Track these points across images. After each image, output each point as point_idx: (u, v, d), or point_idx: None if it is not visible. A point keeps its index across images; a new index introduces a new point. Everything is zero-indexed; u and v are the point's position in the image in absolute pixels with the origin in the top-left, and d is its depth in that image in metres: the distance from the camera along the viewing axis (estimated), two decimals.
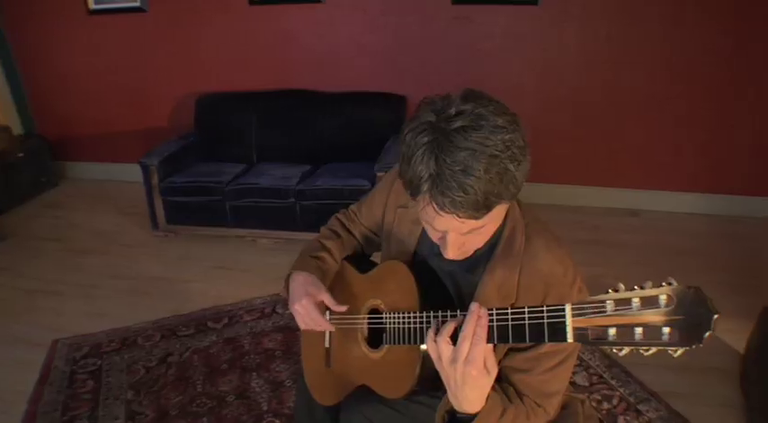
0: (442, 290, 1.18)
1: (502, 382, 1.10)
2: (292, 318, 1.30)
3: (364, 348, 1.28)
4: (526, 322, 0.87)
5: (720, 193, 3.85)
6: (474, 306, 0.92)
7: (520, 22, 3.66)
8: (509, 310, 0.90)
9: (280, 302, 2.90)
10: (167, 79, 4.23)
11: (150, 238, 3.65)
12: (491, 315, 0.92)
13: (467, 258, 1.07)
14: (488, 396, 0.98)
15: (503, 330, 0.90)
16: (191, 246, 3.55)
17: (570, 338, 0.80)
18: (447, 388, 0.97)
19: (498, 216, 0.98)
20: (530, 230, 1.09)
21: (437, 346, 0.94)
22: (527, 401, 1.09)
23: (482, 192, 0.85)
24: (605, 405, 2.22)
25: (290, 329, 2.69)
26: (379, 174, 3.17)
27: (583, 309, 0.78)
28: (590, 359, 2.46)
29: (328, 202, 3.30)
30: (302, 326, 1.30)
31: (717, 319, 0.67)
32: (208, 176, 3.51)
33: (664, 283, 0.72)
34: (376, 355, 1.24)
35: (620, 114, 3.75)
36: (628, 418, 2.17)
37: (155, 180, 3.47)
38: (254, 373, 2.40)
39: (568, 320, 0.80)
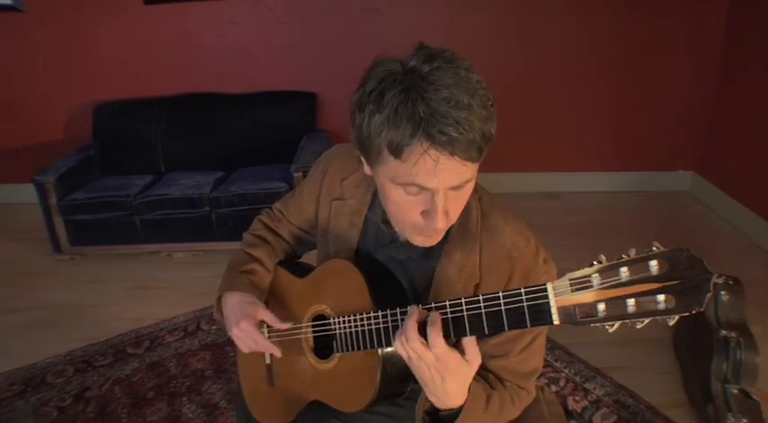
0: (396, 284, 1.08)
1: (480, 369, 1.00)
2: (220, 333, 1.14)
3: (312, 360, 1.15)
4: (502, 308, 0.79)
5: (635, 170, 4.01)
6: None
7: (428, 12, 3.63)
8: (480, 297, 0.81)
9: (204, 318, 2.69)
10: (57, 87, 3.85)
11: (53, 264, 3.33)
12: (459, 306, 0.84)
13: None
14: (470, 386, 0.91)
15: (476, 320, 0.82)
16: (100, 267, 3.27)
17: (556, 321, 0.73)
18: (424, 387, 0.90)
19: (475, 175, 0.89)
20: (484, 206, 1.03)
21: (409, 346, 0.85)
22: (509, 386, 1.04)
23: (479, 129, 0.80)
24: (553, 388, 2.21)
25: (219, 346, 2.51)
26: (296, 174, 3.07)
27: (566, 286, 0.71)
28: None
29: (245, 209, 3.15)
30: (245, 350, 1.17)
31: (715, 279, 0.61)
32: (113, 190, 3.25)
33: (654, 248, 0.66)
34: (326, 365, 1.12)
35: (533, 100, 3.82)
36: (577, 398, 2.17)
37: (52, 199, 3.17)
38: (185, 398, 2.21)
39: (552, 301, 0.73)
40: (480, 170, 0.89)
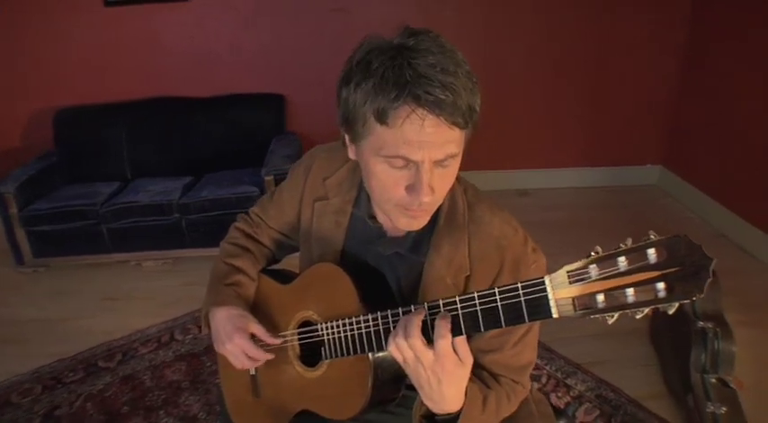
0: (384, 285, 1.06)
1: (473, 367, 0.98)
2: (195, 343, 1.10)
3: (299, 368, 1.12)
4: (499, 305, 0.77)
5: (604, 165, 4.08)
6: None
7: (398, 11, 3.63)
8: (475, 294, 0.80)
9: (178, 328, 2.63)
10: (14, 92, 3.70)
11: (16, 277, 3.21)
12: (454, 304, 0.82)
13: (407, 236, 1.01)
14: (466, 389, 0.89)
15: (471, 318, 0.81)
16: (66, 279, 3.16)
17: (555, 314, 0.72)
18: (420, 391, 0.88)
19: (461, 154, 0.90)
20: (470, 197, 1.03)
21: (409, 344, 0.83)
22: (504, 382, 1.02)
23: (466, 96, 0.81)
24: (536, 385, 2.19)
25: (195, 356, 2.45)
26: (267, 178, 3.03)
27: (564, 278, 0.70)
28: None
29: (216, 214, 3.10)
30: (240, 366, 1.14)
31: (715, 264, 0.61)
32: (78, 199, 3.15)
33: (651, 237, 0.66)
34: (314, 373, 1.09)
35: (502, 99, 3.83)
36: (559, 394, 2.18)
37: (13, 209, 3.06)
38: (162, 411, 2.15)
39: (550, 294, 0.72)
40: None
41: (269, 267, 1.32)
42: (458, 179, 1.02)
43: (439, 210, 0.99)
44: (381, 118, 0.82)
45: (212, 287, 1.20)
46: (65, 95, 3.64)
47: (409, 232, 1.01)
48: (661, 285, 0.63)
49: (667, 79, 3.82)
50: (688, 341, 2.06)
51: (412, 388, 0.94)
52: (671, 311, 0.63)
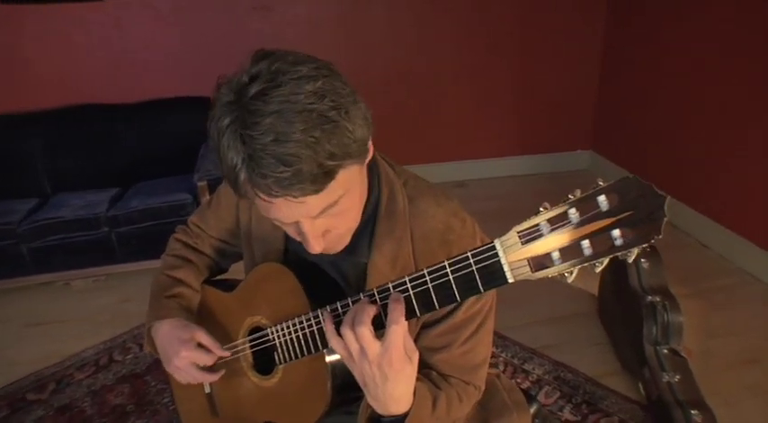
0: (331, 281, 1.02)
1: (422, 367, 0.95)
2: (137, 362, 1.00)
3: (254, 378, 1.07)
4: (450, 277, 0.73)
5: (537, 153, 4.20)
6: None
7: (322, 7, 3.60)
8: (425, 271, 0.76)
9: (116, 348, 2.47)
10: None
11: None
12: (404, 284, 0.77)
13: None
14: (415, 388, 0.84)
15: (424, 296, 0.76)
16: None
17: (510, 278, 0.68)
18: (365, 390, 0.82)
19: (356, 183, 0.82)
20: (410, 190, 0.96)
21: (343, 341, 0.79)
22: (454, 382, 0.98)
23: (310, 158, 0.70)
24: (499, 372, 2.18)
25: (138, 376, 2.33)
26: (200, 184, 2.92)
27: (515, 239, 0.67)
28: None
29: (149, 225, 2.96)
30: (192, 381, 1.08)
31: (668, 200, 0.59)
32: None
33: (599, 183, 0.63)
34: (270, 381, 1.04)
35: (433, 91, 3.89)
36: (518, 380, 2.19)
37: None
38: None
39: (503, 258, 0.68)
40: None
41: (214, 278, 1.27)
42: (396, 172, 0.98)
43: (377, 207, 0.94)
44: (240, 195, 0.78)
45: (153, 301, 1.14)
46: None
47: None
48: (617, 232, 0.60)
49: (590, 66, 3.98)
50: (638, 317, 2.11)
51: None
52: (630, 259, 0.62)
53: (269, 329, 0.99)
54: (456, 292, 0.73)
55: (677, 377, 1.95)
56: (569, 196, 0.64)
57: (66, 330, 2.66)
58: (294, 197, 0.72)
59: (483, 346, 0.99)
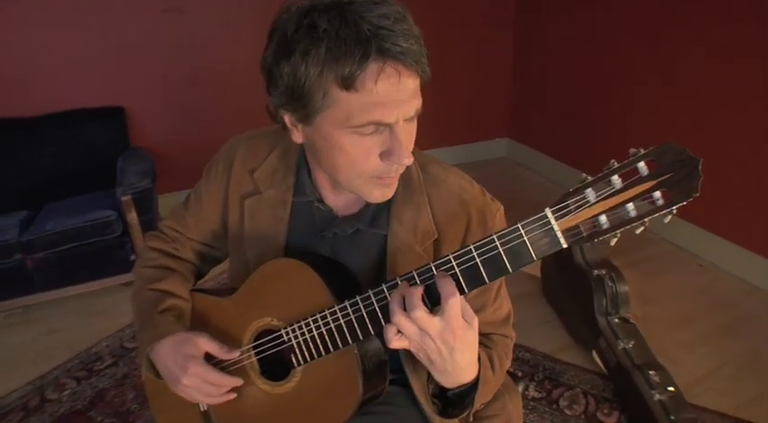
0: (345, 270, 0.98)
1: None
2: (76, 397, 0.90)
3: (264, 386, 1.00)
4: (500, 249, 0.75)
5: (455, 144, 4.32)
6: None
7: (237, 10, 3.49)
8: (471, 246, 0.76)
9: (49, 385, 2.29)
10: None
11: None
12: (449, 262, 0.78)
13: (365, 210, 0.97)
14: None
15: (471, 272, 0.76)
16: None
17: (564, 243, 0.72)
18: (431, 367, 0.84)
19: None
20: (419, 158, 1.00)
21: (407, 325, 0.77)
22: (496, 339, 1.04)
23: (422, 42, 0.80)
24: None
25: (79, 413, 2.17)
26: (124, 198, 2.73)
27: (565, 207, 0.70)
28: None
29: (70, 247, 2.73)
30: (208, 401, 1.01)
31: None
32: None
33: (639, 151, 0.68)
34: (285, 387, 0.97)
35: None
36: None
37: None
38: None
39: (555, 226, 0.71)
40: None
41: (198, 285, 1.19)
42: None
43: None
44: (348, 84, 0.76)
45: (145, 320, 1.05)
46: None
47: (368, 206, 0.98)
48: (658, 194, 0.65)
49: (502, 54, 4.14)
50: (587, 291, 2.20)
51: (392, 382, 0.93)
52: (667, 220, 0.67)
53: (283, 331, 0.94)
54: (507, 264, 0.75)
55: (631, 343, 2.06)
56: (610, 163, 0.68)
57: None
58: (417, 70, 0.78)
59: (506, 299, 1.06)
